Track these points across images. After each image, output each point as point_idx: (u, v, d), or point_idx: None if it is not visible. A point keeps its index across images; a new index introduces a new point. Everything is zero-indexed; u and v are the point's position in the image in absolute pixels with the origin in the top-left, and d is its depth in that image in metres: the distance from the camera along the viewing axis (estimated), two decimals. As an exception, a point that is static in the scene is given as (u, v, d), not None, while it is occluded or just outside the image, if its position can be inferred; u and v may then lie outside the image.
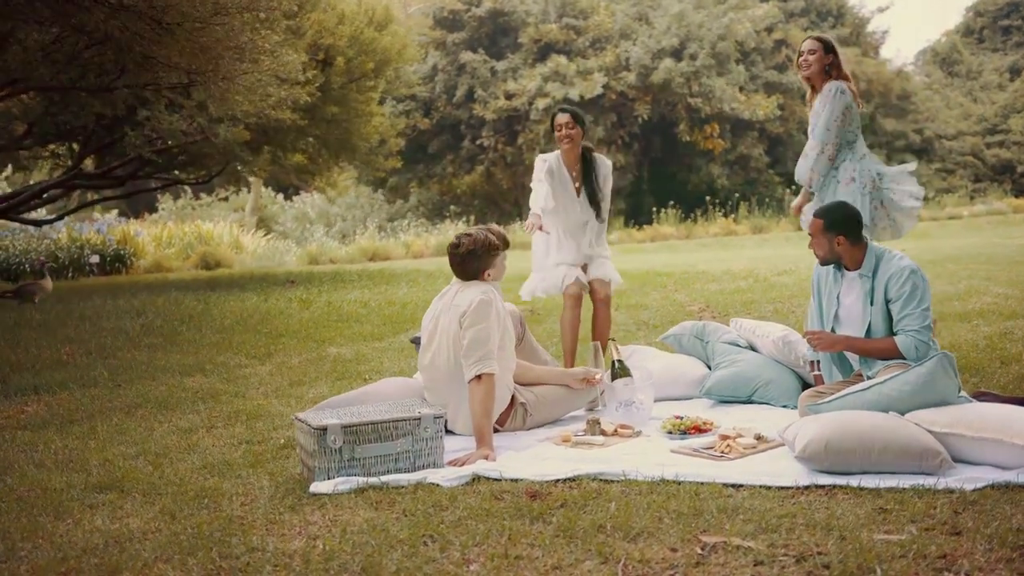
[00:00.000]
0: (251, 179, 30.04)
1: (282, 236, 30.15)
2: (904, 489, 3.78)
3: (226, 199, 34.38)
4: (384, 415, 4.34)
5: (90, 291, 13.40)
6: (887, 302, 4.87)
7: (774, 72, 32.16)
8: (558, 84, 28.61)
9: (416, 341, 6.11)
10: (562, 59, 29.21)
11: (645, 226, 27.09)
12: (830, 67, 6.05)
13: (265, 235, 25.48)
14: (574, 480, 4.09)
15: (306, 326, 8.81)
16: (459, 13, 31.17)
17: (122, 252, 19.26)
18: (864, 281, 4.95)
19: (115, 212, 28.11)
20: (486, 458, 4.44)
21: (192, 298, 10.99)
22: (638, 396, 5.08)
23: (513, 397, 5.09)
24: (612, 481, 4.07)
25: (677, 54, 29.43)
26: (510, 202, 32.77)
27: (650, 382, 5.19)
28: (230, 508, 3.90)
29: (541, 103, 28.37)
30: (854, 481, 3.88)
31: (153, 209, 31.31)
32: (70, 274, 18.29)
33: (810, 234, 5.02)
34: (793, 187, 30.38)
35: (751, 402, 5.53)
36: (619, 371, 5.17)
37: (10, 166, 18.99)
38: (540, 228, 5.91)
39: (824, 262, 5.05)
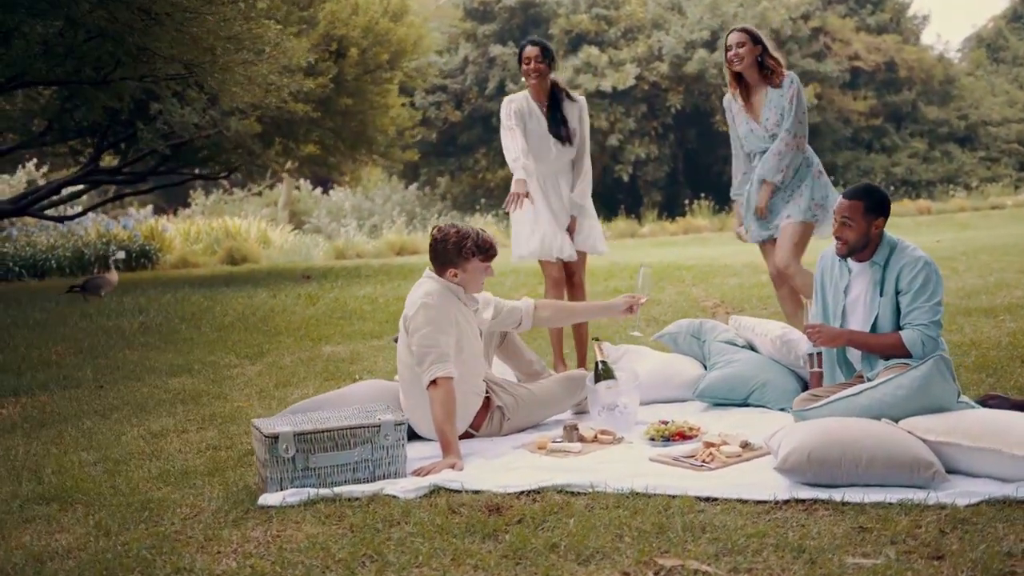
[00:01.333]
0: (283, 173, 30.12)
1: (315, 230, 30.11)
2: (890, 504, 3.47)
3: (259, 194, 34.40)
4: (341, 422, 4.09)
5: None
6: (897, 294, 4.55)
7: (811, 60, 31.54)
8: (589, 75, 28.27)
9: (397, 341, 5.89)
10: (593, 50, 28.85)
11: (678, 218, 26.68)
12: (762, 58, 5.86)
13: (293, 230, 25.32)
14: (538, 492, 3.83)
15: (307, 323, 8.61)
16: (489, 4, 30.93)
17: (147, 248, 19.20)
18: (875, 270, 4.60)
19: (149, 207, 28.25)
20: (452, 467, 4.19)
21: (200, 295, 10.84)
22: (621, 400, 4.80)
23: (489, 400, 4.83)
24: (579, 493, 3.80)
25: (711, 44, 28.94)
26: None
27: (635, 384, 4.90)
28: (170, 523, 3.68)
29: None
30: (838, 495, 3.58)
31: (186, 204, 31.36)
32: (95, 270, 18.27)
33: (844, 219, 4.58)
34: (831, 178, 29.85)
35: (747, 405, 5.22)
36: (602, 373, 4.89)
37: (34, 161, 19.03)
38: (527, 196, 5.62)
39: (849, 251, 4.62)
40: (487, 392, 4.83)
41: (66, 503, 4.00)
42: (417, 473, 4.15)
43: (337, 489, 3.92)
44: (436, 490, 3.93)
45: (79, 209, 17.41)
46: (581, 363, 6.22)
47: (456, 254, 4.66)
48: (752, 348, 5.49)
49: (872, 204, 4.51)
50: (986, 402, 4.59)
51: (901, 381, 3.97)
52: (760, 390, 5.18)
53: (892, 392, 3.97)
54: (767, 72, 5.92)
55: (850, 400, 4.06)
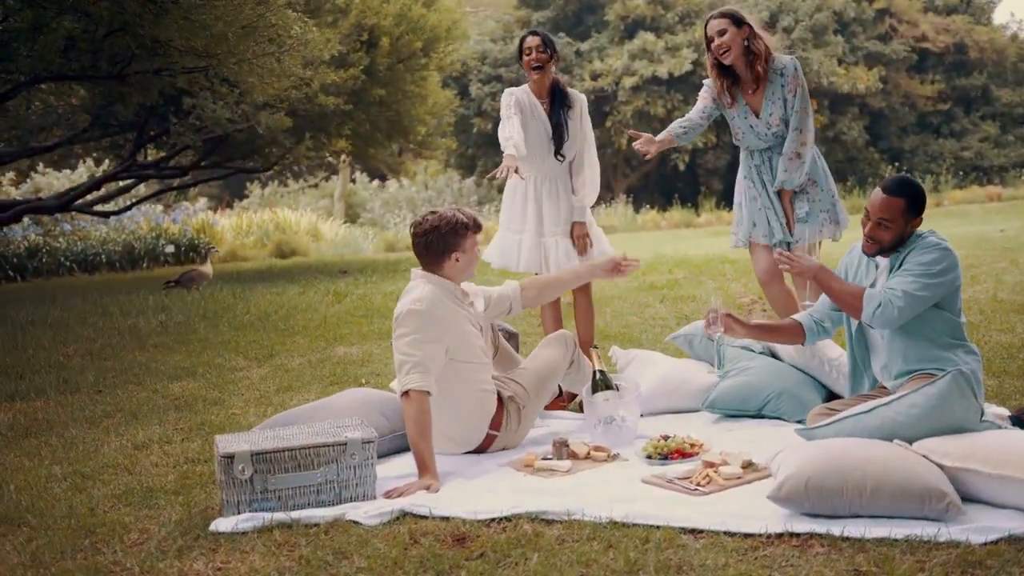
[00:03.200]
0: (338, 165, 30.07)
1: (370, 223, 30.01)
2: (895, 541, 3.09)
3: (315, 186, 34.43)
4: (304, 439, 3.81)
5: (143, 282, 13.27)
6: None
7: (876, 42, 30.60)
8: (645, 62, 27.71)
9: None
10: (650, 36, 28.27)
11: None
12: (749, 42, 5.19)
13: (344, 222, 25.19)
14: (510, 520, 3.51)
15: (327, 322, 8.36)
16: (544, -9, 30.53)
17: (196, 242, 19.20)
18: (894, 258, 4.18)
19: (203, 200, 28.36)
20: (427, 488, 3.88)
21: (228, 291, 10.67)
22: (620, 412, 4.44)
23: (499, 395, 4.50)
24: (553, 522, 3.47)
25: (770, 26, 28.19)
26: (602, 185, 31.92)
27: (636, 396, 4.54)
28: (111, 552, 3.42)
29: (628, 82, 27.52)
30: (837, 528, 3.20)
31: (243, 196, 31.47)
32: (145, 264, 18.31)
33: (882, 219, 4.14)
34: (896, 164, 28.94)
35: (762, 416, 4.83)
36: (600, 383, 4.54)
37: (94, 155, 19.06)
38: (516, 172, 5.23)
39: (879, 252, 4.20)
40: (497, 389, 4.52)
41: (14, 525, 3.77)
42: (388, 495, 3.85)
43: (296, 514, 3.63)
44: (403, 515, 3.63)
45: (130, 204, 17.38)
46: None
47: (453, 235, 4.39)
48: (773, 354, 5.09)
49: (912, 202, 4.07)
50: (1019, 418, 4.17)
51: (915, 399, 3.57)
52: (775, 400, 4.78)
53: (905, 411, 3.57)
54: (756, 58, 5.22)
55: (859, 419, 3.66)
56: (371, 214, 31.49)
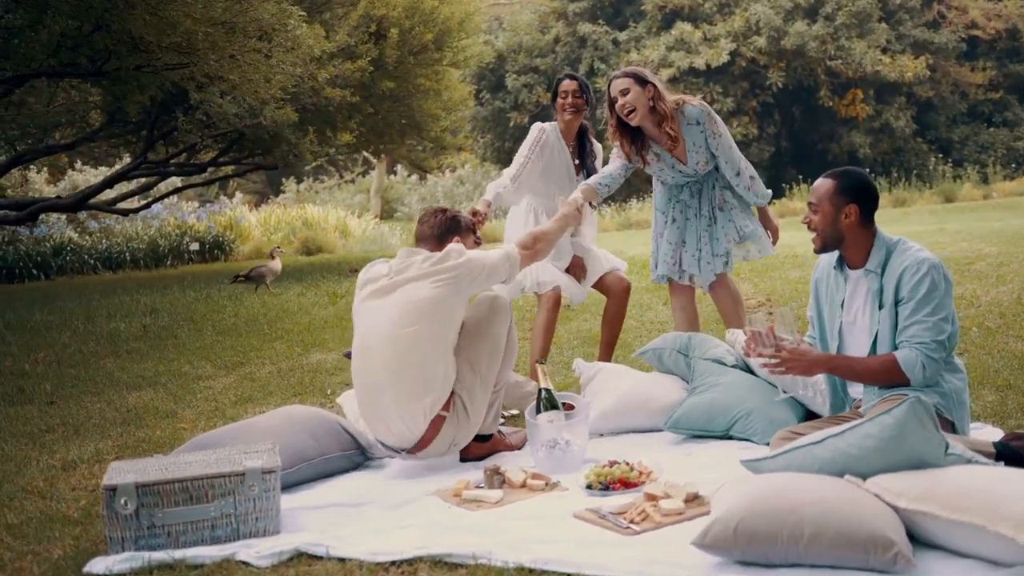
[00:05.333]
0: (374, 160, 29.83)
1: (407, 219, 29.74)
2: (830, 599, 2.69)
3: (352, 181, 34.30)
4: (198, 469, 3.47)
5: (162, 281, 13.09)
6: (897, 304, 3.73)
7: (924, 30, 29.68)
8: (682, 53, 27.11)
9: (350, 355, 5.27)
10: (687, 26, 27.64)
11: (774, 201, 25.35)
12: (654, 102, 4.98)
13: (374, 217, 24.93)
14: (411, 564, 3.14)
15: (313, 326, 8.06)
16: (581, -18, 30.01)
17: (221, 239, 19.05)
18: (871, 279, 3.81)
19: (240, 196, 28.33)
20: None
21: (228, 291, 10.41)
22: (564, 435, 4.06)
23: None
24: (459, 566, 3.10)
25: (811, 14, 27.45)
26: (641, 179, 31.42)
27: (583, 416, 4.15)
28: (-32, 595, 3.12)
29: (665, 74, 26.92)
30: (769, 580, 2.80)
31: (279, 192, 31.40)
32: (169, 262, 18.20)
33: (810, 203, 3.86)
34: (940, 156, 28.07)
35: (730, 437, 4.42)
36: (545, 403, 4.15)
37: (126, 157, 19.01)
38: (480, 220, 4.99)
39: (822, 245, 3.90)
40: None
41: None
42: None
43: (180, 553, 3.29)
44: (298, 555, 3.28)
45: (149, 202, 17.27)
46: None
47: (456, 224, 4.44)
48: (747, 368, 4.67)
49: (845, 185, 3.76)
50: (1009, 443, 3.71)
51: (869, 429, 3.14)
52: (744, 420, 4.37)
53: (859, 442, 3.14)
54: (663, 119, 5.01)
55: (809, 450, 3.24)
56: (408, 209, 31.26)
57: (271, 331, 7.94)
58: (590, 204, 5.19)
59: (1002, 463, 3.54)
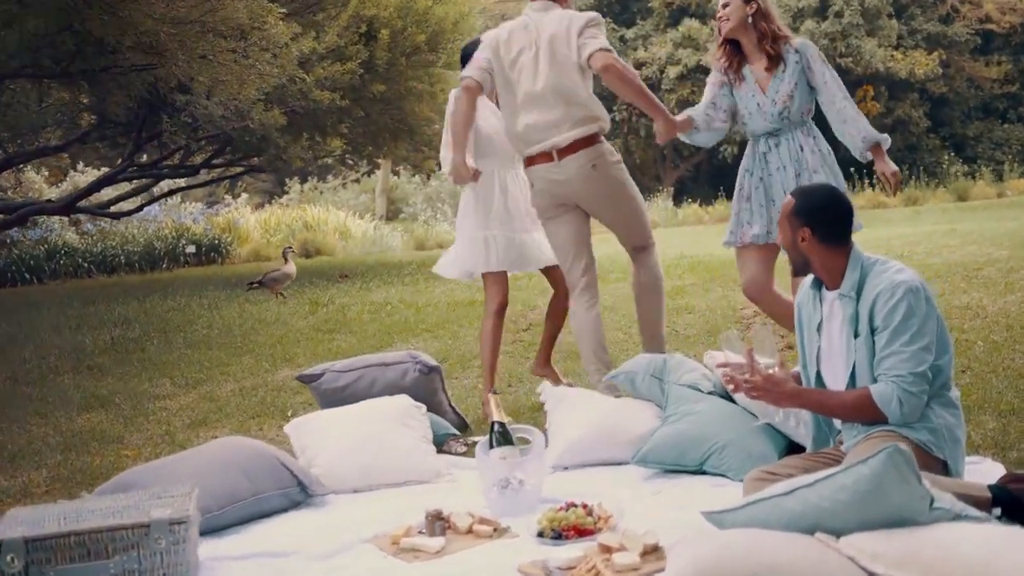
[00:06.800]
0: (380, 160, 29.45)
1: (412, 218, 29.37)
2: None
3: (357, 181, 33.92)
4: (97, 520, 3.12)
5: (154, 285, 12.78)
6: (873, 332, 3.36)
7: (937, 24, 29.17)
8: (690, 50, 26.71)
9: (304, 378, 4.96)
10: (695, 23, 27.24)
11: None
12: (754, 19, 4.82)
13: (374, 219, 24.59)
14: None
15: (287, 338, 7.71)
16: (589, -23, 29.63)
17: (217, 242, 18.74)
18: (846, 304, 3.44)
19: (242, 197, 28.00)
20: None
21: (205, 299, 10.07)
22: (517, 474, 3.69)
23: None
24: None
25: (820, 12, 26.99)
26: (650, 176, 31.02)
27: (538, 452, 3.79)
28: None
29: (672, 71, 26.53)
30: (721, 662, 2.43)
31: (283, 193, 31.08)
32: (164, 265, 17.90)
33: (780, 219, 3.56)
34: (954, 154, 27.58)
35: (703, 472, 4.04)
36: (498, 438, 3.79)
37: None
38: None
39: (793, 268, 3.59)
40: None
41: None
42: None
43: (72, 616, 2.96)
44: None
45: (141, 205, 16.98)
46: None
47: None
48: (726, 394, 4.29)
49: (799, 206, 3.42)
50: (1007, 486, 3.33)
51: (844, 480, 2.76)
52: (719, 454, 3.99)
53: (832, 495, 2.76)
54: (763, 37, 4.85)
55: (777, 503, 2.86)
56: (412, 209, 30.87)
57: (243, 344, 7.60)
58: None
59: (998, 510, 3.17)
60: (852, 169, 26.10)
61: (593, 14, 4.88)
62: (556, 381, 5.31)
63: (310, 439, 4.32)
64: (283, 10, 9.05)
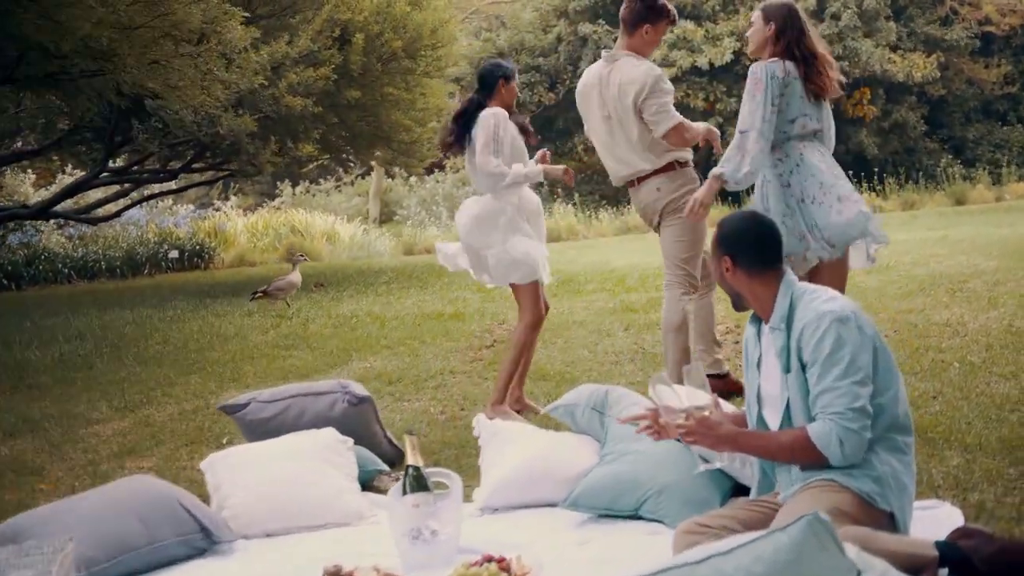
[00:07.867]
0: (373, 163, 29.16)
1: (404, 222, 29.05)
2: None
3: (351, 183, 33.63)
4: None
5: (121, 293, 12.51)
6: (804, 368, 3.08)
7: (935, 27, 28.83)
8: (684, 52, 26.38)
9: (227, 409, 4.68)
10: (689, 24, 26.91)
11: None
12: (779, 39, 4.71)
13: (363, 222, 24.32)
14: None
15: (242, 354, 7.43)
16: (582, -22, 29.31)
17: (201, 247, 18.44)
18: (777, 337, 3.17)
19: (231, 201, 27.71)
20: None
21: (168, 311, 9.79)
22: (430, 523, 3.40)
23: None
24: None
25: (817, 14, 26.64)
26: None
27: (454, 499, 3.50)
28: None
29: (667, 73, 26.14)
30: None
31: (273, 196, 30.80)
32: (146, 270, 17.61)
33: None
34: (952, 157, 27.25)
35: (639, 518, 3.74)
36: (412, 483, 3.50)
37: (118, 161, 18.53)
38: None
39: (732, 302, 3.34)
40: None
41: None
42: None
43: None
44: None
45: (119, 210, 16.74)
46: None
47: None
48: (669, 430, 3.99)
49: (719, 235, 3.22)
50: (956, 543, 3.04)
51: (762, 548, 2.46)
52: (655, 499, 3.69)
53: (748, 566, 2.46)
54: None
55: (690, 571, 2.57)
56: (406, 212, 30.57)
57: (195, 361, 7.32)
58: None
59: (945, 571, 2.90)
60: (850, 172, 25.84)
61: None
62: (535, 412, 5.24)
63: (224, 476, 4.04)
64: (245, 14, 8.79)
